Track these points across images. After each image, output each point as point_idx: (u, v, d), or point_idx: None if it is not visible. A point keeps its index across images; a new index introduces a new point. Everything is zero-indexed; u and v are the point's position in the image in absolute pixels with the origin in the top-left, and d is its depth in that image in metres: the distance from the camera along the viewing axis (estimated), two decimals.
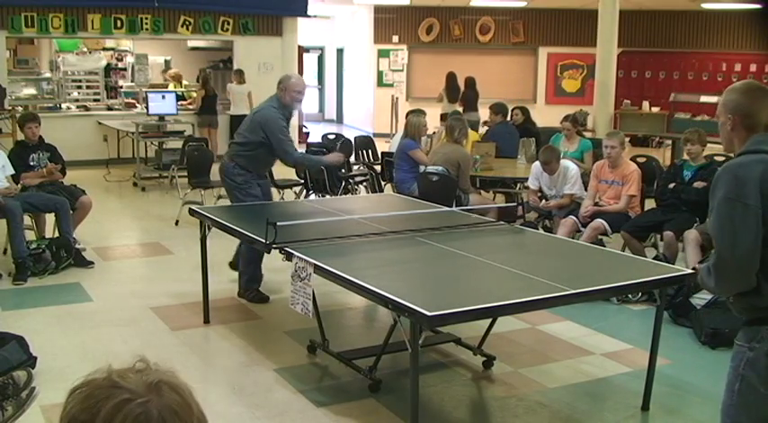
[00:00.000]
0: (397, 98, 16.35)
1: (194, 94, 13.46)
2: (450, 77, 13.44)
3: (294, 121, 13.86)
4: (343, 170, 8.53)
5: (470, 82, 13.12)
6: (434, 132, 8.88)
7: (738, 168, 2.40)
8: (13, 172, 6.43)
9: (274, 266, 5.99)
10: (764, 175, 2.36)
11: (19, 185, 6.46)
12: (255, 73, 13.06)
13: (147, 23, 12.22)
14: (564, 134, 7.87)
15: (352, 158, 9.67)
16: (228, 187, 5.77)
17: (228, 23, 12.85)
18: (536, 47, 17.39)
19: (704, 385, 4.21)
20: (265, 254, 4.65)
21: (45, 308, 5.39)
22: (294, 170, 8.85)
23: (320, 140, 10.28)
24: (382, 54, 17.28)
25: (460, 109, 12.25)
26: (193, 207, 5.31)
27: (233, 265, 6.01)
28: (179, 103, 12.33)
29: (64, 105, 12.65)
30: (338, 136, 10.64)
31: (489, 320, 4.45)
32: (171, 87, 13.93)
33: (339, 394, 4.09)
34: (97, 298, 5.66)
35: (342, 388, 4.19)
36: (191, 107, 12.99)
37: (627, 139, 15.53)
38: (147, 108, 11.06)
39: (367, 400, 4.00)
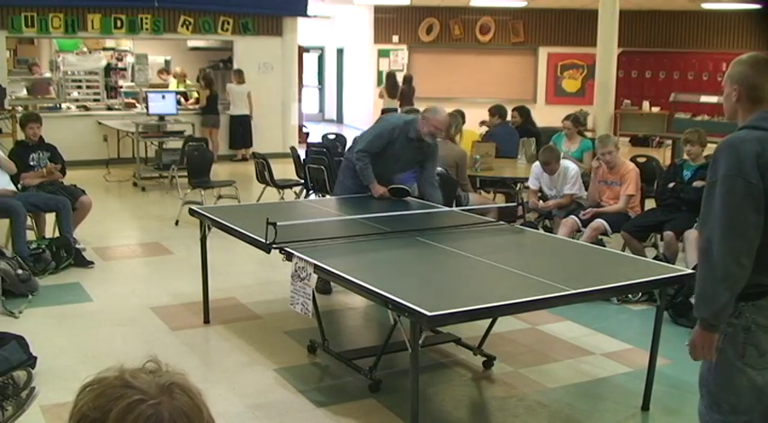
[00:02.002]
0: None
1: (196, 94, 13.47)
2: (390, 76, 14.82)
3: (293, 121, 13.92)
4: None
5: (408, 79, 14.62)
6: None
7: (741, 144, 2.38)
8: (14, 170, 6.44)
9: (274, 265, 6.01)
10: (759, 155, 2.34)
11: (20, 186, 6.46)
12: (256, 73, 13.07)
13: (147, 23, 12.23)
14: (565, 134, 7.87)
15: None
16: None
17: (228, 23, 12.85)
18: (536, 47, 17.39)
19: None
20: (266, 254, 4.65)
21: (45, 308, 5.39)
22: (295, 169, 8.86)
23: (320, 140, 10.27)
24: (382, 54, 17.28)
25: (398, 104, 14.27)
26: (193, 207, 5.31)
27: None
28: (180, 101, 12.35)
29: (64, 105, 12.65)
30: (338, 136, 10.64)
31: (489, 320, 4.45)
32: (174, 86, 13.92)
33: (339, 394, 4.09)
34: (97, 298, 5.66)
35: (342, 388, 4.19)
36: (190, 107, 12.99)
37: (627, 140, 15.62)
38: (147, 108, 11.06)
39: (367, 400, 4.00)
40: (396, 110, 14.21)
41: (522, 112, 9.35)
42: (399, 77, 14.76)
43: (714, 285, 2.36)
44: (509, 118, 9.26)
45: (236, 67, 13.21)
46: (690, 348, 2.51)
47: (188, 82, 14.46)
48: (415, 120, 5.63)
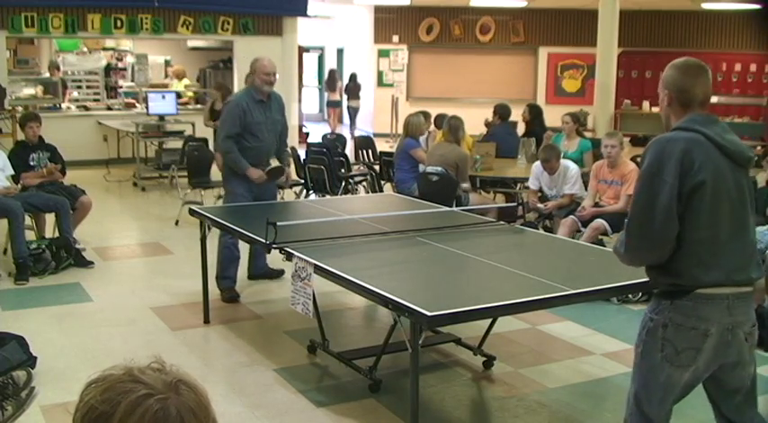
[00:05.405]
0: (397, 98, 16.35)
1: (190, 94, 13.29)
2: (331, 72, 17.87)
3: (294, 122, 13.91)
4: (343, 170, 8.54)
5: (353, 76, 17.37)
6: (430, 132, 8.85)
7: (666, 144, 2.49)
8: (12, 172, 6.43)
9: (274, 266, 6.01)
10: (686, 153, 2.43)
11: (19, 185, 6.46)
12: None
13: (147, 23, 12.21)
14: (563, 131, 7.85)
15: (352, 158, 9.68)
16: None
17: (228, 23, 12.84)
18: (536, 47, 17.38)
19: None
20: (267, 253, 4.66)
21: (45, 308, 5.39)
22: (295, 169, 8.86)
23: (320, 140, 10.27)
24: (382, 54, 17.28)
25: (345, 97, 17.46)
26: (193, 207, 5.32)
27: (253, 277, 6.09)
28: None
29: (64, 105, 12.64)
30: (338, 136, 10.65)
31: (489, 320, 4.45)
32: (177, 85, 13.88)
33: (339, 394, 4.09)
34: (97, 298, 5.66)
35: (342, 388, 4.19)
36: (190, 107, 12.92)
37: (627, 140, 15.61)
38: (146, 108, 11.05)
39: (367, 400, 4.00)
40: (339, 103, 17.79)
41: (533, 110, 9.23)
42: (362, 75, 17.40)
43: (624, 256, 2.61)
44: (519, 115, 9.22)
45: (237, 66, 13.09)
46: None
47: (186, 81, 14.35)
48: (251, 85, 5.76)
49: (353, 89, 17.42)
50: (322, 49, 20.39)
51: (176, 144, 10.50)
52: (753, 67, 16.65)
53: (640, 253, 2.55)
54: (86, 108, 12.72)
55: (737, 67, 16.61)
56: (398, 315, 3.17)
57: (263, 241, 4.09)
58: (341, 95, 17.84)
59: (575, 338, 4.94)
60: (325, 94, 18.35)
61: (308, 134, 14.79)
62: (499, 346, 4.64)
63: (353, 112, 17.61)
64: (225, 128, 5.61)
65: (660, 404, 2.60)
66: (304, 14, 13.44)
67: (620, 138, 6.48)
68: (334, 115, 17.94)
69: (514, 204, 6.19)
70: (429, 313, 2.95)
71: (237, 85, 12.89)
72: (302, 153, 8.92)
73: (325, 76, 18.57)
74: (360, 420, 3.80)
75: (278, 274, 5.99)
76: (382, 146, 11.56)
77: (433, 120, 9.30)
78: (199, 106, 13.03)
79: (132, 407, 1.03)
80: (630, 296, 5.49)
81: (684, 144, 2.46)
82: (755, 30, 16.45)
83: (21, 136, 7.55)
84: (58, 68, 13.39)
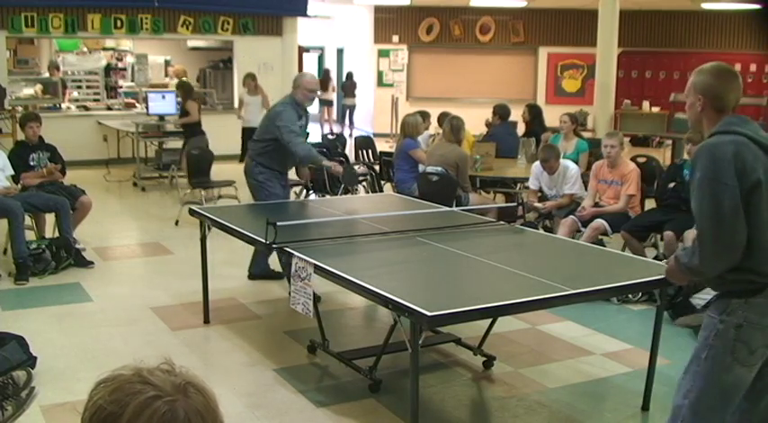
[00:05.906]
0: (397, 98, 16.36)
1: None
2: (325, 72, 18.62)
3: None
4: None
5: (349, 74, 17.94)
6: (437, 134, 8.85)
7: (715, 148, 2.49)
8: (12, 172, 6.43)
9: (274, 265, 6.01)
10: (737, 155, 2.45)
11: (19, 185, 6.46)
12: (256, 73, 13.03)
13: (147, 23, 12.22)
14: (561, 131, 7.84)
15: (352, 158, 9.68)
16: (251, 186, 5.96)
17: (228, 23, 12.85)
18: (536, 47, 17.38)
19: None
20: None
21: (45, 308, 5.39)
22: (295, 170, 8.84)
23: (320, 140, 10.27)
24: (382, 54, 17.28)
25: (342, 94, 18.08)
26: (193, 207, 5.32)
27: (252, 276, 6.12)
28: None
29: (64, 105, 12.64)
30: (338, 136, 10.64)
31: (489, 320, 4.45)
32: (174, 84, 13.86)
33: (339, 394, 4.09)
34: (97, 298, 5.66)
35: (342, 388, 4.19)
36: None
37: (627, 140, 15.62)
38: (146, 108, 11.04)
39: (367, 400, 4.00)
40: (331, 102, 18.44)
41: (533, 110, 9.23)
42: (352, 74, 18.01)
43: (700, 266, 2.55)
44: (519, 115, 9.21)
45: (237, 66, 13.06)
46: (666, 274, 2.80)
47: (185, 80, 14.29)
48: (289, 95, 5.82)
49: (350, 87, 17.78)
50: (322, 49, 20.40)
51: (176, 144, 10.49)
52: (753, 67, 16.65)
53: (717, 260, 2.50)
54: (86, 108, 12.72)
55: (737, 67, 16.52)
56: (398, 315, 3.17)
57: (263, 241, 4.09)
58: (336, 94, 18.22)
59: (575, 338, 4.94)
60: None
61: (308, 134, 14.78)
62: (499, 346, 4.64)
63: (350, 111, 17.88)
64: (289, 126, 5.62)
65: (724, 409, 2.58)
66: (304, 14, 13.45)
67: (621, 138, 6.49)
68: (329, 114, 18.36)
69: (514, 204, 6.18)
70: (429, 313, 2.95)
71: (237, 85, 12.93)
72: None
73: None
74: (360, 420, 3.80)
75: (278, 276, 5.99)
76: (382, 146, 11.55)
77: (436, 120, 9.31)
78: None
79: (140, 408, 1.03)
80: (630, 296, 5.50)
81: (733, 146, 2.47)
82: (755, 30, 16.45)
83: (21, 136, 7.55)
84: (58, 68, 13.40)
